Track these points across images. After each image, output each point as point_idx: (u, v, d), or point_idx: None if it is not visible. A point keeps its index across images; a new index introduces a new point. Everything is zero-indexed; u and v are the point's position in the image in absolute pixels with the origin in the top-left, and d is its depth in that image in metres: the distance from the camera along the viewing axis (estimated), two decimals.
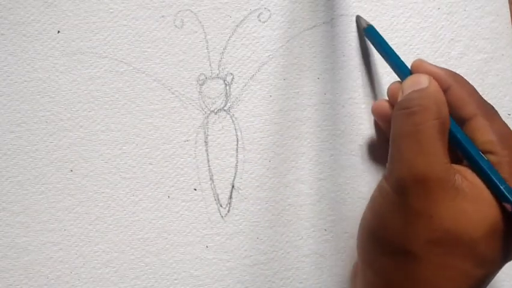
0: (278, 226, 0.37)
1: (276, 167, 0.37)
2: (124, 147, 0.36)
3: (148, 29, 0.37)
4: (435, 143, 0.28)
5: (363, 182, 0.37)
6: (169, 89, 0.37)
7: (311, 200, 0.37)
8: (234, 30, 0.37)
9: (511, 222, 0.28)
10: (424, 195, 0.27)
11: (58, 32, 0.36)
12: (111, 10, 0.36)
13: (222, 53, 0.37)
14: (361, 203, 0.37)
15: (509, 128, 0.31)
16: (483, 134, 0.30)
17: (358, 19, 0.37)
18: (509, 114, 0.39)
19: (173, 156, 0.36)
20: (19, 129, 0.35)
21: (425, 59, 0.38)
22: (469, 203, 0.27)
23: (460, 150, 0.30)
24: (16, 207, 0.35)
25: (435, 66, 0.32)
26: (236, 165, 0.37)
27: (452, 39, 0.39)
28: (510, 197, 0.27)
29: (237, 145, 0.37)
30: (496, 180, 0.28)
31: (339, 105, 0.38)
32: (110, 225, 0.36)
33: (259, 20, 0.38)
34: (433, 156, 0.28)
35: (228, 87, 0.37)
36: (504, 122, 0.31)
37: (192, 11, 0.37)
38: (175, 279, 0.36)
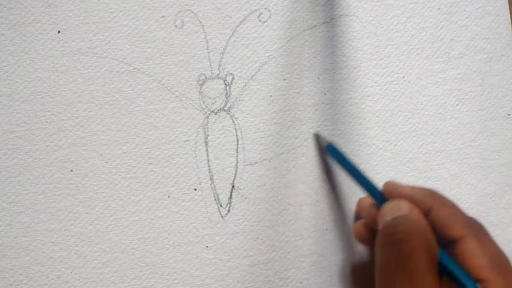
0: (278, 226, 0.37)
1: (276, 167, 0.37)
2: (124, 147, 0.36)
3: (148, 29, 0.37)
4: (427, 277, 0.26)
5: None
6: (169, 89, 0.37)
7: (311, 200, 0.37)
8: (234, 30, 0.37)
9: None
10: None
11: (58, 32, 0.36)
12: (111, 10, 0.37)
13: (222, 53, 0.37)
14: None
15: (500, 250, 0.28)
16: (474, 258, 0.27)
17: (317, 138, 0.36)
18: (509, 115, 0.39)
19: (173, 156, 0.36)
20: (19, 129, 0.35)
21: (425, 59, 0.39)
22: None
23: (452, 279, 0.28)
24: (16, 207, 0.35)
25: (410, 187, 0.30)
26: (236, 165, 0.37)
27: (452, 39, 0.39)
28: None
29: (237, 145, 0.37)
30: None
31: (339, 105, 0.38)
32: (110, 225, 0.36)
33: (260, 20, 0.38)
34: None
35: (228, 87, 0.37)
36: (494, 241, 0.29)
37: (192, 11, 0.37)
38: (175, 279, 0.36)
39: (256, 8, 0.38)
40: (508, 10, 0.40)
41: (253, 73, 0.37)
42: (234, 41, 0.37)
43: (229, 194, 0.36)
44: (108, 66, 0.36)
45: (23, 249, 0.35)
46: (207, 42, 0.37)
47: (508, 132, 0.39)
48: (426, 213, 0.29)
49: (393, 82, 0.38)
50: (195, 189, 0.36)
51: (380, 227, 0.29)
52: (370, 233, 0.33)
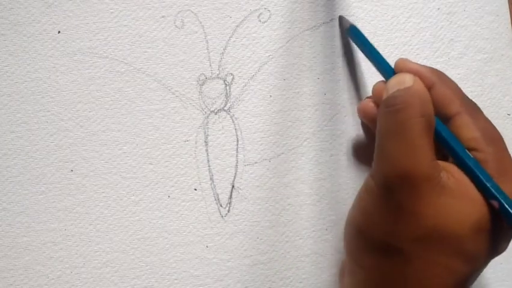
0: (278, 226, 0.37)
1: (276, 167, 0.37)
2: (124, 147, 0.36)
3: (148, 29, 0.37)
4: (421, 140, 0.28)
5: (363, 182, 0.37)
6: (169, 89, 0.37)
7: (311, 200, 0.37)
8: (234, 31, 0.37)
9: (497, 219, 0.28)
10: (410, 193, 0.27)
11: (59, 32, 0.36)
12: (111, 10, 0.37)
13: (222, 53, 0.37)
14: None
15: (492, 125, 0.31)
16: (468, 131, 0.30)
17: (341, 19, 0.37)
18: (508, 114, 0.39)
19: (173, 156, 0.36)
20: (19, 129, 0.35)
21: (425, 59, 0.39)
22: (456, 200, 0.28)
23: (446, 147, 0.30)
24: (16, 207, 0.35)
25: (418, 64, 0.32)
26: (236, 165, 0.37)
27: (452, 39, 0.39)
28: (496, 194, 0.28)
29: (237, 145, 0.37)
30: (482, 178, 0.28)
31: (339, 105, 0.38)
32: (110, 225, 0.36)
33: (259, 20, 0.38)
34: (419, 153, 0.28)
35: (228, 88, 0.37)
36: (488, 119, 0.31)
37: (192, 12, 0.37)
38: (175, 279, 0.36)
39: (256, 8, 0.38)
40: (508, 10, 0.40)
41: (253, 73, 0.37)
42: (234, 41, 0.37)
43: (229, 194, 0.36)
44: (108, 66, 0.36)
45: (23, 249, 0.35)
46: (207, 42, 0.37)
47: (508, 132, 0.39)
48: (429, 88, 0.30)
49: None
50: (195, 189, 0.36)
51: (384, 98, 0.30)
52: (375, 110, 0.34)
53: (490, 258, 0.29)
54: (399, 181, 0.27)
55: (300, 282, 0.36)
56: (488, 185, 0.28)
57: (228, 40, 0.37)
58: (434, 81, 0.31)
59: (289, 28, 0.38)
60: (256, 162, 0.37)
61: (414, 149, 0.28)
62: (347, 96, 0.38)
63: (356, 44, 0.36)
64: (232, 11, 0.37)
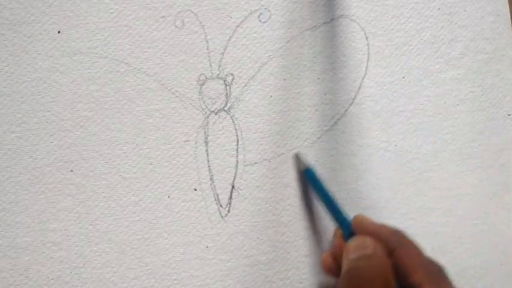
0: (278, 226, 0.37)
1: (276, 167, 0.37)
2: (124, 147, 0.36)
3: (148, 29, 0.37)
4: None
5: (363, 182, 0.37)
6: (169, 89, 0.37)
7: None
8: (234, 31, 0.37)
9: None
10: None
11: (59, 32, 0.36)
12: (111, 10, 0.37)
13: (222, 53, 0.37)
14: (361, 203, 0.37)
15: None
16: None
17: (297, 158, 0.36)
18: (509, 115, 0.39)
19: (173, 156, 0.36)
20: (19, 129, 0.35)
21: (425, 59, 0.39)
22: None
23: None
24: (16, 207, 0.35)
25: (378, 225, 0.30)
26: (236, 165, 0.37)
27: (452, 39, 0.39)
28: None
29: (237, 145, 0.37)
30: None
31: (339, 105, 0.38)
32: (110, 225, 0.36)
33: (260, 20, 0.38)
34: None
35: (228, 88, 0.37)
36: (451, 283, 0.29)
37: (192, 12, 0.37)
38: (175, 279, 0.36)
39: (256, 8, 0.38)
40: (508, 10, 0.40)
41: (253, 73, 0.37)
42: (234, 41, 0.37)
43: (229, 194, 0.36)
44: (108, 66, 0.36)
45: (23, 249, 0.35)
46: (207, 42, 0.37)
47: (508, 132, 0.39)
48: (390, 253, 0.29)
49: (393, 82, 0.38)
50: (195, 189, 0.36)
51: (344, 263, 0.29)
52: (337, 264, 0.33)
53: None
54: None
55: (300, 282, 0.36)
56: None
57: (228, 40, 0.37)
58: (395, 246, 0.29)
59: (289, 28, 0.38)
60: (256, 163, 0.37)
61: None
62: (347, 97, 0.38)
63: (311, 186, 0.34)
64: (232, 11, 0.37)
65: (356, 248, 0.29)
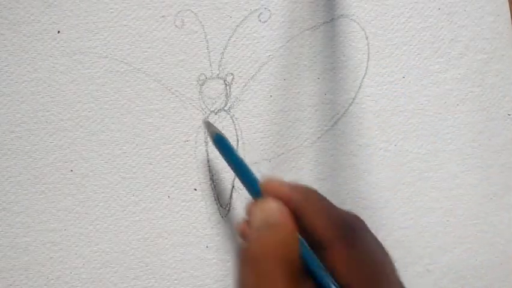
0: None
1: (276, 167, 0.37)
2: (124, 147, 0.36)
3: (148, 29, 0.37)
4: None
5: (363, 182, 0.37)
6: (169, 89, 0.37)
7: None
8: (234, 30, 0.37)
9: None
10: None
11: (58, 32, 0.36)
12: (111, 10, 0.36)
13: (222, 53, 0.37)
14: (361, 203, 0.37)
15: (371, 256, 0.27)
16: (341, 266, 0.26)
17: (207, 125, 0.35)
18: (509, 115, 0.39)
19: (173, 156, 0.36)
20: (19, 129, 0.35)
21: (425, 59, 0.39)
22: None
23: (318, 285, 0.26)
24: (16, 207, 0.35)
25: (287, 185, 0.28)
26: None
27: (452, 39, 0.39)
28: None
29: (237, 145, 0.37)
30: None
31: (339, 105, 0.38)
32: (110, 225, 0.36)
33: (260, 20, 0.38)
34: None
35: (228, 87, 0.37)
36: (369, 246, 0.28)
37: (192, 11, 0.37)
38: (175, 280, 0.36)
39: (256, 8, 0.38)
40: (508, 10, 0.40)
41: (253, 73, 0.37)
42: (234, 41, 0.37)
43: (229, 194, 0.36)
44: (108, 66, 0.36)
45: (23, 249, 0.35)
46: (207, 42, 0.37)
47: (508, 132, 0.39)
48: (298, 215, 0.27)
49: (393, 82, 0.38)
50: (195, 189, 0.36)
51: (249, 232, 0.27)
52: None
53: None
54: None
55: None
56: None
57: (228, 40, 0.37)
58: (303, 206, 0.27)
59: (289, 28, 0.38)
60: (256, 162, 0.37)
61: None
62: (347, 96, 0.38)
63: (221, 153, 0.33)
64: (232, 10, 0.37)
65: (260, 214, 0.27)
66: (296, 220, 0.27)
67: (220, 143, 0.32)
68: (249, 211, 0.28)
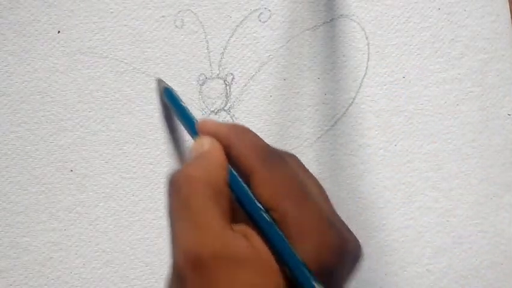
0: None
1: None
2: (124, 147, 0.36)
3: (148, 29, 0.37)
4: (206, 213, 0.25)
5: (363, 182, 0.37)
6: None
7: None
8: (234, 30, 0.37)
9: (294, 283, 0.25)
10: (204, 279, 0.24)
11: (58, 32, 0.36)
12: (111, 10, 0.36)
13: (222, 53, 0.37)
14: (361, 203, 0.37)
15: (295, 178, 0.27)
16: (264, 189, 0.26)
17: (159, 82, 0.36)
18: (509, 114, 0.39)
19: (173, 156, 0.36)
20: (19, 129, 0.35)
21: (425, 59, 0.39)
22: (252, 273, 0.24)
23: (244, 211, 0.27)
24: (16, 207, 0.35)
25: (217, 123, 0.29)
26: None
27: (452, 39, 0.39)
28: (290, 260, 0.24)
29: None
30: (275, 241, 0.25)
31: (339, 105, 0.38)
32: (110, 225, 0.36)
33: (260, 20, 0.38)
34: (205, 229, 0.25)
35: (228, 88, 0.37)
36: (294, 170, 0.28)
37: (192, 11, 0.37)
38: None
39: (256, 8, 0.38)
40: (508, 10, 0.40)
41: (253, 73, 0.37)
42: (234, 41, 0.37)
43: None
44: (108, 66, 0.36)
45: (23, 249, 0.35)
46: (207, 42, 0.37)
47: (508, 132, 0.39)
48: (229, 148, 0.28)
49: (393, 82, 0.38)
50: None
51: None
52: None
53: None
54: (190, 269, 0.24)
55: None
56: (283, 250, 0.25)
57: (228, 40, 0.37)
58: (231, 140, 0.28)
59: (289, 28, 0.38)
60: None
61: (199, 227, 0.25)
62: (347, 96, 0.38)
63: (171, 107, 0.34)
64: (232, 10, 0.37)
65: (192, 149, 0.29)
66: (227, 153, 0.28)
67: (170, 97, 0.34)
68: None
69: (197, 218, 0.25)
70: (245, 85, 0.37)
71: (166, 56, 0.37)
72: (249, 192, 0.27)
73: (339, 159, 0.37)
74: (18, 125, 0.35)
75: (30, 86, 0.36)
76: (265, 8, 0.38)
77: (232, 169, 0.28)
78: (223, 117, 0.37)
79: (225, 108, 0.37)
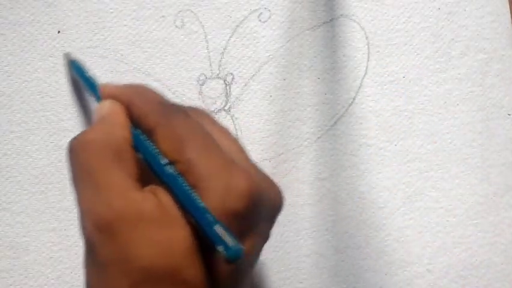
0: (278, 226, 0.36)
1: (276, 167, 0.37)
2: None
3: (148, 29, 0.37)
4: (107, 175, 0.25)
5: (363, 182, 0.37)
6: (169, 89, 0.37)
7: (311, 200, 0.37)
8: (234, 30, 0.37)
9: (202, 234, 0.24)
10: (112, 242, 0.24)
11: (58, 32, 0.36)
12: (111, 10, 0.36)
13: (222, 53, 0.37)
14: (361, 203, 0.37)
15: (198, 128, 0.27)
16: (167, 143, 0.26)
17: (66, 56, 0.36)
18: (509, 114, 0.39)
19: None
20: (19, 129, 0.35)
21: (425, 59, 0.39)
22: (162, 229, 0.24)
23: (149, 167, 0.26)
24: (16, 207, 0.35)
25: (116, 86, 0.29)
26: None
27: (452, 39, 0.39)
28: (192, 209, 0.24)
29: None
30: (178, 193, 0.24)
31: (339, 105, 0.38)
32: None
33: (260, 20, 0.38)
34: (107, 191, 0.24)
35: (228, 87, 0.37)
36: (197, 122, 0.27)
37: (192, 11, 0.37)
38: None
39: (256, 8, 0.38)
40: (508, 10, 0.40)
41: (253, 73, 0.37)
42: (234, 41, 0.37)
43: None
44: (108, 66, 0.36)
45: (22, 249, 0.35)
46: (207, 42, 0.37)
47: (509, 132, 0.39)
48: (131, 108, 0.28)
49: (393, 82, 0.38)
50: None
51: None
52: None
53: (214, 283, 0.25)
54: (97, 232, 0.24)
55: (300, 282, 0.36)
56: (183, 200, 0.24)
57: (228, 40, 0.37)
58: (131, 98, 0.28)
59: (289, 28, 0.38)
60: (256, 162, 0.37)
61: (102, 189, 0.24)
62: (347, 96, 0.38)
63: (78, 79, 0.34)
64: (232, 10, 0.37)
65: (96, 113, 0.29)
66: (130, 114, 0.28)
67: (76, 67, 0.34)
68: None
69: (98, 180, 0.25)
70: (245, 85, 0.37)
71: (166, 56, 0.37)
72: (152, 148, 0.26)
73: (339, 159, 0.37)
74: (18, 125, 0.35)
75: (30, 86, 0.36)
76: (265, 8, 0.38)
77: (134, 128, 0.27)
78: (223, 117, 0.37)
79: (225, 108, 0.37)
